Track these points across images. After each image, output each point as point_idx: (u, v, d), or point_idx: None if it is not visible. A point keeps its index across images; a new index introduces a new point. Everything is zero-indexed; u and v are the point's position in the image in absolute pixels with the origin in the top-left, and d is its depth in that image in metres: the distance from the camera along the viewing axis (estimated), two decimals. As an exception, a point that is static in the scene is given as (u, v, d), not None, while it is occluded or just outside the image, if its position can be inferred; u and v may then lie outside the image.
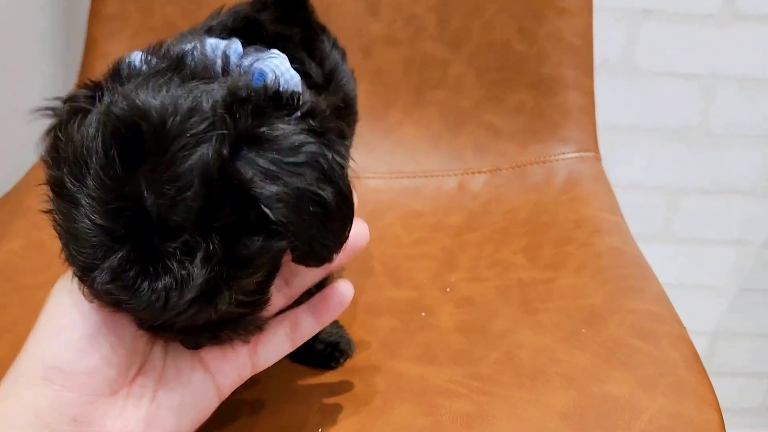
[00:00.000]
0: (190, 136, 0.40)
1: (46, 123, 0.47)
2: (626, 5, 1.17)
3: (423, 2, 1.00)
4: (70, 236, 0.41)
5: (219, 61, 0.47)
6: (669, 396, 0.61)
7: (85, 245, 0.41)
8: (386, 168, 1.02)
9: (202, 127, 0.41)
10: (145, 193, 0.40)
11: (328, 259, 0.46)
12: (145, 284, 0.40)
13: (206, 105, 0.41)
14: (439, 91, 1.02)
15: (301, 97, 0.46)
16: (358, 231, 0.54)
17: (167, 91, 0.42)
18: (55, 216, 0.43)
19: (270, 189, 0.41)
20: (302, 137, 0.43)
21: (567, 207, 0.92)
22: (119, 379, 0.47)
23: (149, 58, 0.47)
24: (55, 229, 0.43)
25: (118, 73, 0.46)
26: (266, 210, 0.41)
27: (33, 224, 0.78)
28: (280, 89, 0.45)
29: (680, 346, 0.67)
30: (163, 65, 0.45)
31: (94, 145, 0.40)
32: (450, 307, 0.76)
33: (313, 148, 0.43)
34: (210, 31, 0.58)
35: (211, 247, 0.40)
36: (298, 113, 0.45)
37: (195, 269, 0.40)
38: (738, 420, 1.48)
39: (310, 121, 0.45)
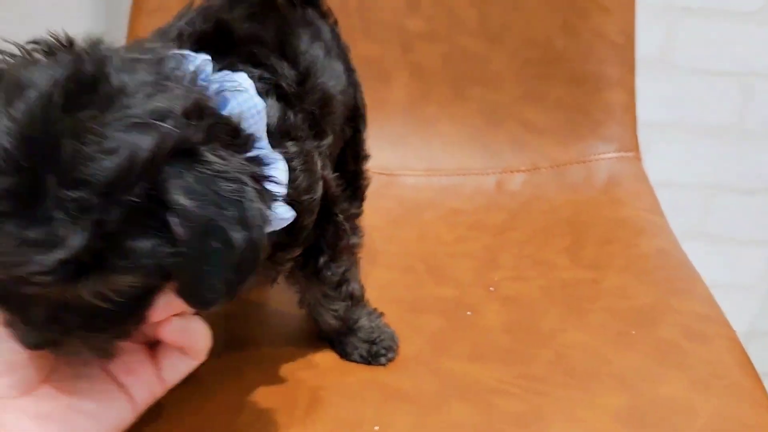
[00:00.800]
0: (144, 112, 0.39)
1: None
2: (666, 2, 1.16)
3: (464, -2, 0.99)
4: None
5: (188, 77, 0.46)
6: (724, 399, 0.60)
7: None
8: (424, 165, 1.02)
9: (158, 108, 0.40)
10: (70, 137, 0.37)
11: (208, 303, 0.43)
12: (12, 225, 0.37)
13: (171, 99, 0.41)
14: (477, 87, 1.02)
15: (255, 143, 0.47)
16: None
17: (141, 71, 0.42)
18: None
19: (184, 203, 0.39)
20: (239, 176, 0.42)
21: (609, 207, 0.92)
22: (27, 381, 0.45)
23: (130, 50, 0.46)
24: None
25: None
26: (171, 220, 0.39)
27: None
28: (240, 128, 0.46)
29: (732, 349, 0.67)
30: (145, 56, 0.44)
31: (44, 76, 0.39)
32: (495, 306, 0.75)
33: (244, 190, 0.42)
34: (180, 37, 0.57)
35: (110, 217, 0.37)
36: (248, 155, 0.45)
37: (81, 229, 0.37)
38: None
39: (255, 168, 0.44)
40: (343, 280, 0.65)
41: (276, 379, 0.62)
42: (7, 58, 0.43)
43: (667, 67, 1.21)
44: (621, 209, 0.91)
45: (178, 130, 0.40)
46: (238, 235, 0.41)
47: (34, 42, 0.44)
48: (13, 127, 0.38)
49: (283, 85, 0.57)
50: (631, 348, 0.67)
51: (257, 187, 0.43)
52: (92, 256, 0.38)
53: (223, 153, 0.42)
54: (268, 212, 0.44)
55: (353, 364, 0.66)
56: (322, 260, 0.63)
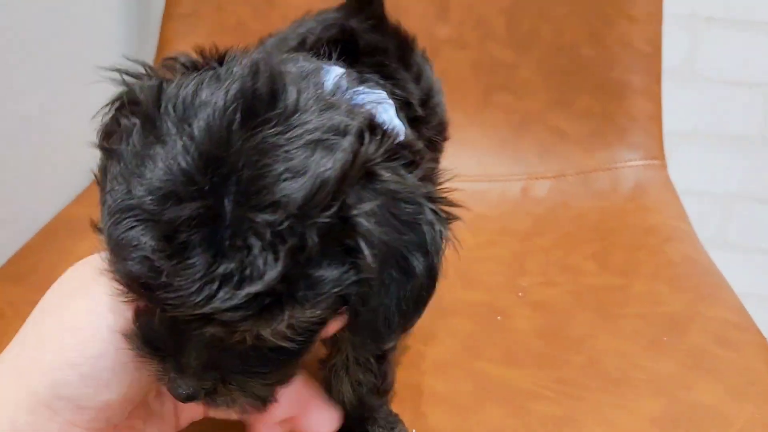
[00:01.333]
0: (324, 129, 0.37)
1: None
2: (690, 12, 1.16)
3: (493, 5, 1.00)
4: (134, 177, 0.35)
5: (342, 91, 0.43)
6: (760, 405, 0.61)
7: (151, 190, 0.34)
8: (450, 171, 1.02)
9: (336, 125, 0.37)
10: (254, 155, 0.34)
11: (382, 339, 0.40)
12: (198, 257, 0.33)
13: (344, 114, 0.38)
14: (505, 94, 1.02)
15: (423, 156, 0.43)
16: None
17: (309, 85, 0.39)
18: (118, 155, 0.37)
19: (370, 228, 0.36)
20: (416, 197, 0.39)
21: (635, 214, 0.92)
22: (122, 416, 0.43)
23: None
24: (107, 171, 0.37)
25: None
26: (363, 246, 0.36)
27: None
28: (409, 144, 0.43)
29: (763, 356, 0.68)
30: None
31: (218, 92, 0.36)
32: (525, 311, 0.76)
33: (423, 212, 0.39)
34: (304, 43, 0.55)
35: (306, 243, 0.34)
36: (420, 172, 0.41)
37: (278, 258, 0.33)
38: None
39: (431, 186, 0.41)
40: (388, 354, 0.56)
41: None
42: (131, 78, 0.41)
43: (691, 76, 1.22)
44: (647, 216, 0.91)
45: (359, 149, 0.37)
46: (418, 263, 0.38)
47: (171, 59, 0.42)
48: (192, 147, 0.34)
49: (414, 104, 0.55)
50: (663, 354, 0.68)
51: (434, 207, 0.40)
52: (282, 288, 0.34)
53: (400, 172, 0.39)
54: (446, 234, 0.41)
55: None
56: None
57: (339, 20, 0.60)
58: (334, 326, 0.42)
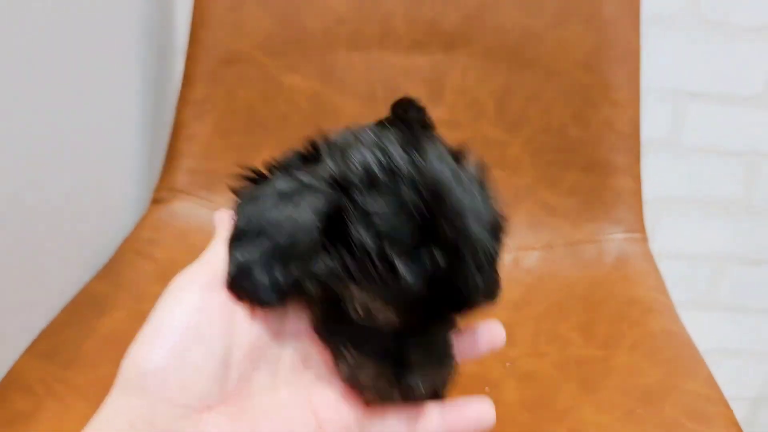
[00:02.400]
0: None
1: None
2: (674, 87, 1.24)
3: (484, 88, 1.07)
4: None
5: None
6: (724, 479, 0.66)
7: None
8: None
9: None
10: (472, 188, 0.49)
11: (476, 295, 0.48)
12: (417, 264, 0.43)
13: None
14: (496, 170, 1.07)
15: None
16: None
17: None
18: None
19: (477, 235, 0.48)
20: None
21: (620, 285, 0.98)
22: (210, 394, 0.44)
23: None
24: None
25: None
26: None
27: (135, 296, 0.86)
28: None
29: (731, 429, 0.73)
30: None
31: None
32: (512, 383, 0.82)
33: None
34: None
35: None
36: None
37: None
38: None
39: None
40: None
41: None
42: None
43: (676, 147, 1.29)
44: (630, 288, 0.97)
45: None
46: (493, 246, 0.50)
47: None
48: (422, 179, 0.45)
49: None
50: (638, 426, 0.73)
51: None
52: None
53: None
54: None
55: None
56: None
57: None
58: None
